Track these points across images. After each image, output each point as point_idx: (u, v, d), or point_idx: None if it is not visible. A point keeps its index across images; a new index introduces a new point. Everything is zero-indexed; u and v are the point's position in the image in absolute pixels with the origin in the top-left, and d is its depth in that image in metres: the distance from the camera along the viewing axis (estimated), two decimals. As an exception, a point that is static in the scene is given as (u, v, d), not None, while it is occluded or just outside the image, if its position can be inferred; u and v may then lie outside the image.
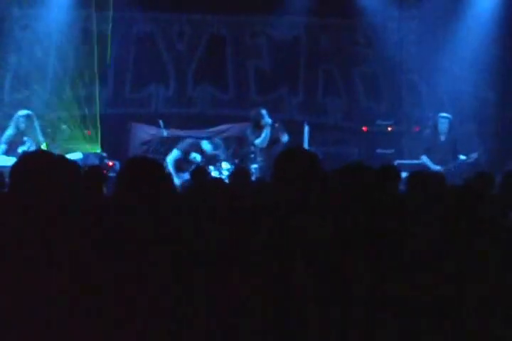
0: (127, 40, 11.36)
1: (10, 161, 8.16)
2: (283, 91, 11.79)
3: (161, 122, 10.44)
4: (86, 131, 10.67)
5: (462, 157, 9.63)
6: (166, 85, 11.52)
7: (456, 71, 11.21)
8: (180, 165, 9.83)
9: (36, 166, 2.90)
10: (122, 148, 10.99)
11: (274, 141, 9.72)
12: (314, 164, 3.29)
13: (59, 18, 10.82)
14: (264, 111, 9.79)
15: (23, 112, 9.25)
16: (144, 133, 11.22)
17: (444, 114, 9.83)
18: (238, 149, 10.88)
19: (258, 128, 9.76)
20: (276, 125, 9.76)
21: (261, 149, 9.76)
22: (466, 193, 3.42)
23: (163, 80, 11.51)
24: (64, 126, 10.53)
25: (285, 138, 9.72)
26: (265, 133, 9.68)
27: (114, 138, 10.92)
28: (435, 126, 9.78)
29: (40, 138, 9.17)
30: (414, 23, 11.67)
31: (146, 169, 3.22)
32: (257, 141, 9.72)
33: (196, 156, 9.85)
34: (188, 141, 10.11)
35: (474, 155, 9.67)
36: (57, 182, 2.87)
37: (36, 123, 9.22)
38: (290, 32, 11.72)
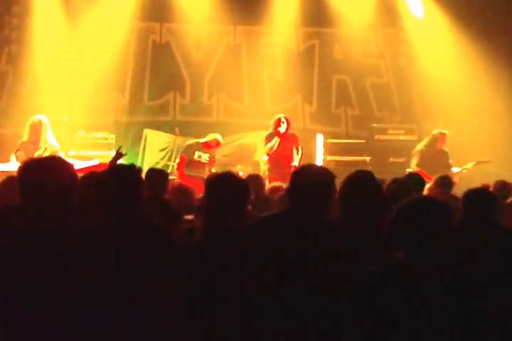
0: (145, 49, 11.56)
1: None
2: (297, 100, 11.94)
3: (177, 130, 10.63)
4: (105, 138, 10.74)
5: (455, 169, 9.63)
6: (183, 94, 11.68)
7: (467, 83, 11.36)
8: (193, 168, 9.61)
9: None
10: (139, 156, 11.15)
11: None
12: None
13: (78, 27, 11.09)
14: (283, 119, 9.50)
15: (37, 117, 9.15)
16: (160, 140, 11.39)
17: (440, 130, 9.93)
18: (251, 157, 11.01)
19: (272, 135, 9.56)
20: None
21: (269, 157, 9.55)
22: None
23: (180, 89, 11.67)
24: (81, 133, 10.64)
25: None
26: (274, 141, 9.42)
27: (131, 146, 11.05)
28: (432, 140, 9.84)
29: (55, 143, 9.06)
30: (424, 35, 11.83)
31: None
32: (266, 147, 9.57)
33: (202, 155, 9.70)
34: (187, 143, 9.93)
35: (468, 166, 9.70)
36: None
37: (49, 129, 9.10)
38: (304, 42, 11.90)
